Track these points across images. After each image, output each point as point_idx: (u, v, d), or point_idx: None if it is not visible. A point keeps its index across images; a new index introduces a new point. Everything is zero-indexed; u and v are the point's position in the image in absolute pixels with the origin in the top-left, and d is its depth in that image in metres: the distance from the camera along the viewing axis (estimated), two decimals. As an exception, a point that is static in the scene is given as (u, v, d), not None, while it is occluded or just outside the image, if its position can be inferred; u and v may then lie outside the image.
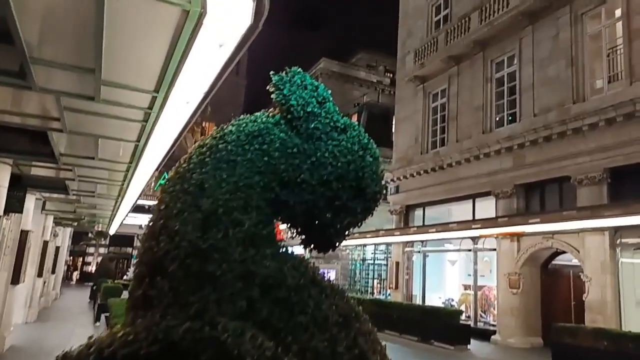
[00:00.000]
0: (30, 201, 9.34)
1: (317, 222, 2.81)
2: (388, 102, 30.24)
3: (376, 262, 24.12)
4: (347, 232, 2.91)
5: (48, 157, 5.93)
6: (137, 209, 14.46)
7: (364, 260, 24.80)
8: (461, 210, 16.27)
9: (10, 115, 4.73)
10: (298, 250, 3.73)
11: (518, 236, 13.44)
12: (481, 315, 15.16)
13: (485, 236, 14.56)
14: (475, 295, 15.25)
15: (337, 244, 2.95)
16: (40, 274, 13.89)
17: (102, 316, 11.74)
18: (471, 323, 14.59)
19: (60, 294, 22.21)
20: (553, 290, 13.48)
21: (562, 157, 12.64)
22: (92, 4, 2.48)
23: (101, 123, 4.70)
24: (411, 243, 18.09)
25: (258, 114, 2.91)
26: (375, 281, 24.19)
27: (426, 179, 17.59)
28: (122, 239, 33.21)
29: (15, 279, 8.92)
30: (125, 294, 10.49)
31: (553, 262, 13.68)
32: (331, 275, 24.99)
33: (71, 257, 35.35)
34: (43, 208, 11.98)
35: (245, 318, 2.23)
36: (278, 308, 2.36)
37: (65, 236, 22.09)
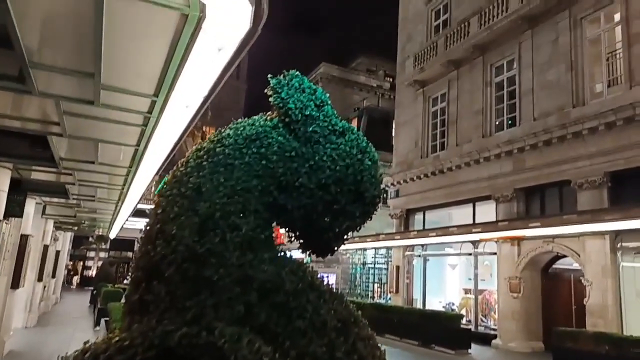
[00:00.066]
0: (31, 205, 9.34)
1: (315, 226, 2.79)
2: (388, 106, 30.28)
3: (376, 266, 24.08)
4: (345, 236, 2.90)
5: (48, 162, 5.94)
6: (138, 213, 14.46)
7: (364, 264, 24.76)
8: (461, 214, 16.25)
9: (10, 119, 4.74)
10: (298, 254, 3.72)
11: (518, 240, 13.41)
12: (482, 320, 15.10)
13: (486, 240, 14.52)
14: (476, 299, 15.20)
15: (336, 248, 2.94)
16: (40, 278, 13.87)
17: (102, 321, 11.67)
18: (472, 327, 14.53)
19: (61, 299, 22.16)
20: (554, 294, 13.44)
21: (562, 161, 12.63)
22: (91, 8, 2.49)
23: (101, 127, 4.70)
24: (411, 247, 18.05)
25: (256, 117, 2.90)
26: (376, 285, 24.13)
27: (426, 183, 17.58)
28: (123, 243, 33.15)
29: (15, 283, 8.90)
30: (125, 299, 10.43)
31: (554, 266, 13.64)
32: (331, 279, 24.92)
33: (71, 262, 35.30)
34: (43, 212, 11.98)
35: (242, 323, 2.22)
36: (276, 313, 2.34)
37: (65, 240, 22.07)
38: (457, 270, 17.32)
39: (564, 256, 12.53)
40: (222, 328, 2.06)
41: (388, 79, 35.37)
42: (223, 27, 2.72)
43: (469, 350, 12.36)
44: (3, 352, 8.58)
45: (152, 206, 2.81)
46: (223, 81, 3.49)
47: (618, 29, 12.13)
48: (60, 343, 9.91)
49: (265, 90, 2.86)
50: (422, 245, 17.61)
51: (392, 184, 19.16)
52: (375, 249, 22.46)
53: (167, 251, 2.32)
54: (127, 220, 15.49)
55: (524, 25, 14.27)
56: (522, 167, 13.85)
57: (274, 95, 2.80)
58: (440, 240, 16.17)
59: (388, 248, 20.69)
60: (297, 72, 2.89)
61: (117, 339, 2.04)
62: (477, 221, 15.27)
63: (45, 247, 13.93)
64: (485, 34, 15.29)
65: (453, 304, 16.58)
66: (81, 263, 37.68)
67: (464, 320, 14.14)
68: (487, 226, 14.06)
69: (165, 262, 2.30)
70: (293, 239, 2.95)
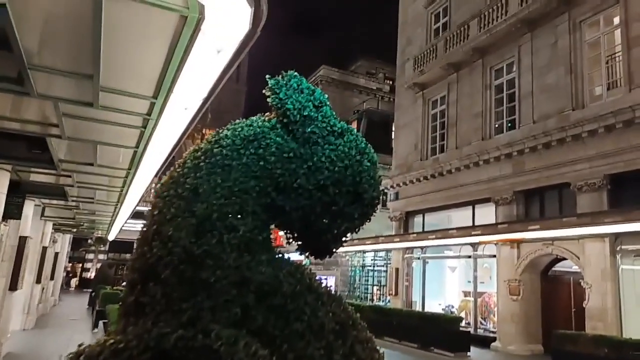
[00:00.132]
0: (29, 207, 9.33)
1: (313, 227, 2.78)
2: (388, 109, 30.29)
3: (376, 268, 24.04)
4: (344, 238, 2.89)
5: (47, 163, 5.93)
6: (137, 215, 14.43)
7: (363, 266, 24.72)
8: (461, 217, 16.23)
9: (9, 121, 4.73)
10: (297, 256, 3.70)
11: (518, 243, 13.39)
12: (481, 322, 15.06)
13: (485, 243, 14.50)
14: (475, 301, 15.16)
15: (334, 249, 2.93)
16: (38, 280, 13.83)
17: (101, 323, 11.65)
18: (471, 330, 14.49)
19: (59, 301, 22.10)
20: (553, 297, 13.41)
21: (561, 164, 12.63)
22: (90, 10, 2.48)
23: (100, 129, 4.69)
24: (411, 249, 18.03)
25: (254, 118, 2.89)
26: (375, 288, 24.08)
27: (426, 186, 17.58)
28: (122, 245, 33.01)
29: (13, 285, 8.87)
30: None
31: (553, 269, 13.62)
32: (330, 281, 24.87)
33: (70, 264, 35.23)
34: (42, 214, 11.96)
35: (239, 325, 2.20)
36: (273, 315, 2.33)
37: (64, 242, 22.03)
38: (457, 272, 17.29)
39: (564, 259, 12.51)
40: (219, 331, 2.05)
41: (388, 81, 35.41)
42: (222, 28, 2.72)
43: (468, 353, 12.32)
44: (1, 354, 8.54)
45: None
46: (222, 83, 3.49)
47: (617, 32, 12.15)
48: (58, 345, 9.87)
49: (264, 91, 2.85)
50: (422, 248, 17.59)
51: (392, 187, 19.15)
52: (375, 251, 22.43)
53: (163, 252, 2.31)
54: (126, 222, 15.47)
55: (523, 29, 14.30)
56: (522, 170, 13.84)
57: (272, 96, 2.79)
58: (440, 242, 16.15)
59: (387, 250, 20.67)
60: (296, 73, 2.88)
61: (111, 341, 2.03)
62: (476, 224, 15.25)
63: (44, 249, 13.90)
64: (485, 37, 15.31)
65: (452, 307, 16.54)
66: (80, 265, 37.60)
67: (463, 323, 14.09)
68: (487, 229, 14.04)
69: (162, 263, 2.29)
70: (291, 240, 2.94)
